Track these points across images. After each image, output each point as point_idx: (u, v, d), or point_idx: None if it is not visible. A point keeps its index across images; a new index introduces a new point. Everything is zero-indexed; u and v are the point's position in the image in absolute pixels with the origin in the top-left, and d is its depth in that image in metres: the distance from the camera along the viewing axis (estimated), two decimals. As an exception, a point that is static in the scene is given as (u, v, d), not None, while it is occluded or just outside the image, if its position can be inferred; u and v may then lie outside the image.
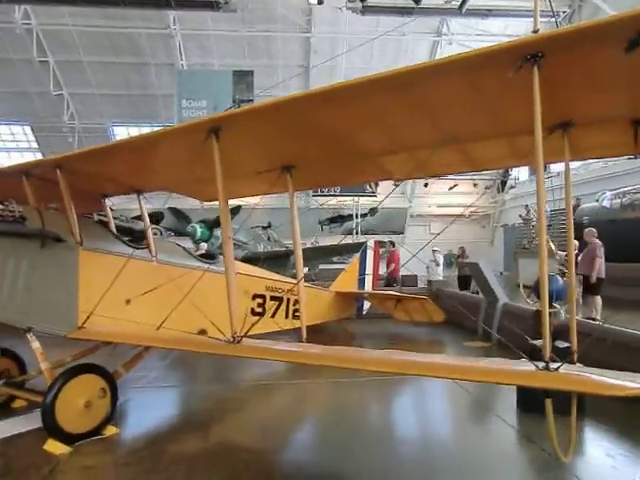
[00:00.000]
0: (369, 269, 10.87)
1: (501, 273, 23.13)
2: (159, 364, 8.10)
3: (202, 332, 5.42)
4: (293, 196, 5.00)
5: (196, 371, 8.16)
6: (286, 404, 6.63)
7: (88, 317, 5.21)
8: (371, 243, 11.47)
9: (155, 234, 23.31)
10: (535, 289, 5.98)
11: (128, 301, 5.71)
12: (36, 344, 5.13)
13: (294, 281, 8.82)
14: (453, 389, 6.52)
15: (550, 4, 8.46)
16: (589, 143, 4.10)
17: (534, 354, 6.08)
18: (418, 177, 4.92)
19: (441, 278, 14.41)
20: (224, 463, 4.62)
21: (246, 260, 16.66)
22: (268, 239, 19.50)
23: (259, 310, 7.60)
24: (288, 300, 8.24)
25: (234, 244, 17.30)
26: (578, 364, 5.64)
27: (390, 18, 19.02)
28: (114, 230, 6.55)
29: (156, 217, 22.06)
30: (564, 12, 20.53)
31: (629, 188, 15.82)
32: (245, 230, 18.22)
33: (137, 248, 6.15)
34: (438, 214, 26.18)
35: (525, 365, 3.03)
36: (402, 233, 26.02)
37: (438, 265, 14.83)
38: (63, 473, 4.28)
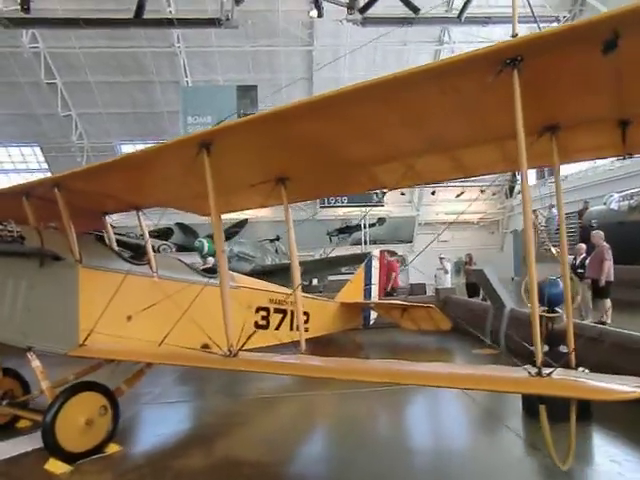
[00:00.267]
0: (374, 279, 10.82)
1: (512, 279, 22.86)
2: (164, 380, 8.11)
3: (205, 347, 5.42)
4: (288, 208, 5.01)
5: (201, 386, 8.14)
6: (291, 417, 6.59)
7: (89, 335, 5.24)
8: (376, 253, 11.44)
9: (165, 249, 23.66)
10: (540, 293, 5.89)
11: (129, 317, 5.73)
12: (36, 363, 5.16)
13: (297, 292, 8.86)
14: (459, 397, 6.43)
15: (530, 8, 8.47)
16: (578, 145, 4.08)
17: (534, 360, 5.98)
18: (411, 185, 4.92)
19: (449, 286, 14.28)
20: (227, 478, 4.60)
21: (254, 273, 16.73)
22: (276, 252, 19.53)
23: (263, 323, 7.58)
24: (292, 312, 8.22)
25: (242, 257, 17.50)
26: (581, 368, 5.55)
27: (391, 28, 19.21)
28: (115, 247, 6.61)
29: (165, 233, 22.36)
30: (564, 17, 20.50)
31: (636, 190, 15.60)
32: (252, 243, 18.27)
33: (137, 264, 6.20)
34: (446, 222, 26.06)
35: (519, 372, 2.97)
36: (411, 242, 25.91)
37: (447, 273, 14.72)
38: (63, 492, 4.30)
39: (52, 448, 4.65)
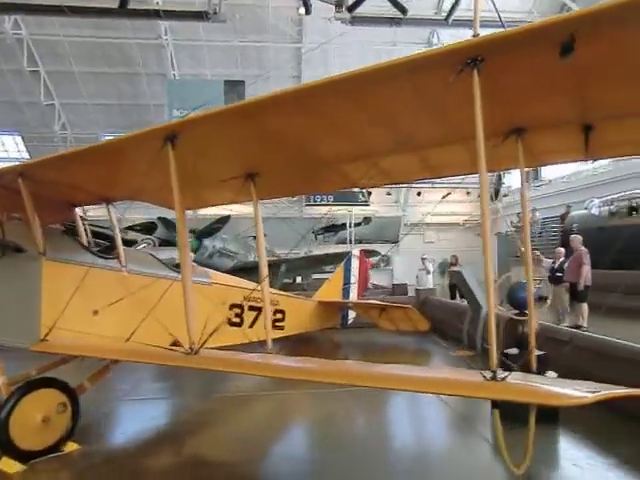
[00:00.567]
0: (354, 278, 10.78)
1: (495, 281, 22.94)
2: (136, 376, 7.98)
3: (176, 343, 5.32)
4: (257, 204, 4.93)
5: (175, 383, 8.01)
6: (265, 415, 6.53)
7: (51, 329, 5.10)
8: (356, 252, 11.40)
9: (148, 244, 23.36)
10: (510, 296, 5.91)
11: (96, 312, 5.60)
12: None
13: (274, 291, 8.78)
14: (432, 398, 6.40)
15: (496, 9, 8.48)
16: (543, 149, 4.08)
17: (506, 362, 5.97)
18: (381, 184, 4.88)
19: (431, 286, 14.31)
20: (190, 479, 4.51)
21: (236, 270, 16.61)
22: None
23: (237, 320, 7.49)
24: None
25: (224, 254, 17.35)
26: (550, 371, 5.55)
27: (381, 28, 19.18)
28: (85, 240, 6.45)
29: (149, 227, 22.06)
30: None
31: (617, 195, 15.79)
32: (235, 240, 18.13)
33: (106, 258, 6.06)
34: (432, 222, 26.14)
35: (475, 375, 2.94)
36: (396, 242, 25.95)
37: (428, 273, 14.75)
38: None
39: (5, 446, 4.51)
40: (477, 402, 6.23)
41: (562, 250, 10.96)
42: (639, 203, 14.83)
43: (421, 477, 4.51)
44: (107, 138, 25.62)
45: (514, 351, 5.67)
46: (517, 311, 6.00)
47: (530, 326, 3.89)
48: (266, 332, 4.83)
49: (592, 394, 2.62)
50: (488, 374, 2.88)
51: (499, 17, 8.25)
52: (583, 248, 9.98)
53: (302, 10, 16.54)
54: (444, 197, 26.77)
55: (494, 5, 8.30)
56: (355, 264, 10.92)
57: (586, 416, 5.22)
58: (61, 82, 22.99)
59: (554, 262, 10.76)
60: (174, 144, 4.03)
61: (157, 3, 17.78)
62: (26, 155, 24.53)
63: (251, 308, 7.68)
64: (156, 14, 16.17)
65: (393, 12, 16.84)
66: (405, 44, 22.00)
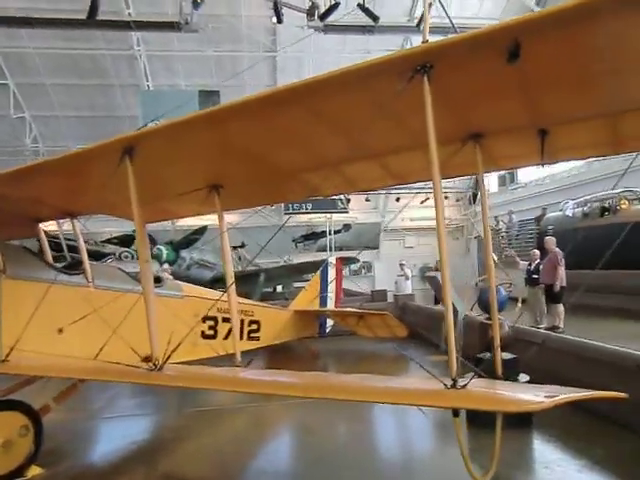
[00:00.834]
0: (331, 286, 10.74)
1: (476, 284, 23.21)
2: (108, 394, 7.79)
3: (147, 359, 5.20)
4: (222, 216, 4.88)
5: (147, 399, 7.82)
6: (241, 429, 6.43)
7: (12, 349, 4.94)
8: (332, 260, 11.38)
9: (126, 257, 22.99)
10: (480, 300, 5.94)
11: (60, 330, 5.46)
12: None
13: (249, 301, 8.70)
14: (409, 407, 6.38)
15: (447, 14, 8.62)
16: (502, 153, 4.12)
17: (479, 367, 5.98)
18: (345, 192, 4.88)
19: (410, 292, 14.35)
20: None
21: (215, 281, 16.41)
22: (239, 259, 19.24)
23: (210, 333, 7.38)
24: (242, 321, 8.05)
25: (202, 265, 17.14)
26: (522, 375, 5.59)
27: (355, 36, 19.32)
28: (49, 256, 6.30)
29: (126, 240, 21.72)
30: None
31: (590, 196, 16.09)
32: (214, 250, 17.94)
33: (71, 274, 5.92)
34: (411, 227, 26.29)
35: (436, 383, 2.91)
36: (377, 248, 26.00)
37: (407, 279, 14.79)
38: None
39: None
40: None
41: (537, 252, 11.01)
42: (611, 204, 15.09)
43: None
44: (81, 151, 25.18)
45: (486, 355, 5.70)
46: (488, 315, 6.03)
47: (494, 330, 3.90)
48: (234, 344, 4.76)
49: (551, 399, 2.61)
50: (449, 382, 2.86)
51: (451, 22, 8.36)
52: (557, 249, 10.06)
53: (275, 19, 16.56)
54: (422, 202, 27.12)
55: (445, 10, 8.42)
56: (332, 272, 10.88)
57: (561, 419, 5.27)
58: (32, 95, 22.55)
59: (530, 264, 10.85)
60: (132, 156, 3.97)
61: (129, 14, 17.66)
62: (-3, 170, 23.90)
63: (225, 320, 7.55)
64: (126, 25, 16.01)
65: (366, 20, 17.00)
66: (379, 51, 22.14)
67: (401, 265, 14.92)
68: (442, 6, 7.80)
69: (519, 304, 6.81)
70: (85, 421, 6.76)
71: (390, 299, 14.54)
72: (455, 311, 9.37)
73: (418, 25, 16.43)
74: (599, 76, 3.09)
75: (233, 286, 4.93)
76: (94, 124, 22.59)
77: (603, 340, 6.25)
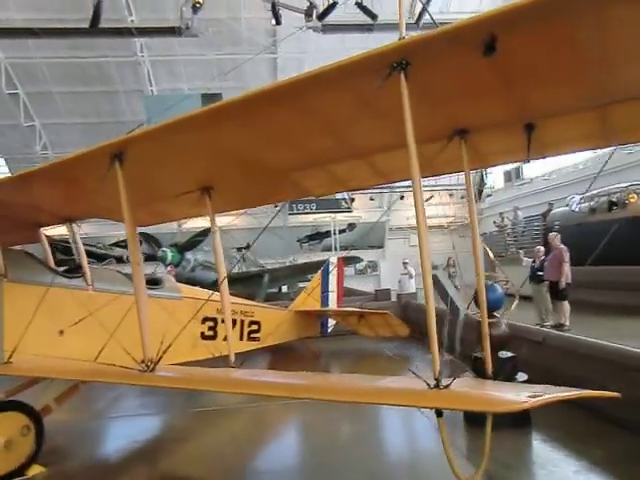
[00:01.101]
0: (332, 286, 10.75)
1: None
2: (112, 394, 7.87)
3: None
4: (214, 218, 4.93)
5: (150, 399, 7.86)
6: (240, 429, 6.45)
7: (14, 351, 5.05)
8: (333, 260, 11.39)
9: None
10: (474, 299, 5.89)
11: (61, 332, 5.56)
12: None
13: (249, 302, 8.75)
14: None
15: (427, 11, 8.56)
16: (489, 149, 4.10)
17: (476, 366, 5.93)
18: (336, 192, 4.89)
19: (413, 291, 14.30)
20: None
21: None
22: (243, 260, 19.35)
23: (210, 334, 7.44)
24: (242, 322, 8.11)
25: (206, 266, 17.23)
26: (521, 374, 5.51)
27: (354, 35, 19.30)
28: (51, 260, 6.41)
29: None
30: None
31: (596, 191, 15.83)
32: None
33: (71, 277, 6.03)
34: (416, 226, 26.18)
35: (419, 383, 2.89)
36: (382, 247, 25.96)
37: (411, 278, 14.73)
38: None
39: None
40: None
41: (542, 249, 10.79)
42: (619, 198, 14.77)
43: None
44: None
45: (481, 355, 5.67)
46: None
47: (484, 328, 3.89)
48: (229, 345, 4.80)
49: (534, 399, 2.59)
50: (432, 382, 2.82)
51: (431, 18, 8.30)
52: (562, 246, 9.88)
53: (274, 21, 16.63)
54: (427, 200, 27.06)
55: (424, 6, 8.34)
56: (333, 272, 10.90)
57: (562, 418, 5.22)
58: (41, 103, 23.03)
59: (534, 261, 10.69)
60: (121, 161, 4.03)
61: (132, 21, 17.86)
62: (9, 177, 24.35)
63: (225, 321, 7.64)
64: (128, 32, 16.20)
65: (364, 19, 16.98)
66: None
67: (404, 264, 14.88)
68: (423, 4, 7.74)
69: (516, 301, 6.73)
70: (88, 421, 6.85)
71: (394, 298, 14.52)
72: (456, 310, 9.35)
73: (417, 22, 16.38)
74: (583, 67, 3.04)
75: (226, 286, 4.96)
76: (101, 130, 22.86)
77: (607, 338, 6.11)
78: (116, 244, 23.37)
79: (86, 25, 15.46)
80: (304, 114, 3.46)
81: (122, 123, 23.22)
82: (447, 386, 2.81)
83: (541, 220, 19.74)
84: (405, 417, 6.29)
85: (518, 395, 2.70)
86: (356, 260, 16.75)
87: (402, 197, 25.12)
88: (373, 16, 15.87)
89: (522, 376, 5.67)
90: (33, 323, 5.14)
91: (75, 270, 6.32)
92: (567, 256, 9.65)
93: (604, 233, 11.46)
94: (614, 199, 15.00)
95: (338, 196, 23.14)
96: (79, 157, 4.20)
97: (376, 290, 14.68)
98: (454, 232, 28.70)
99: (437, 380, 2.83)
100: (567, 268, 9.45)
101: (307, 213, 23.39)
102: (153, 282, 7.11)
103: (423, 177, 4.76)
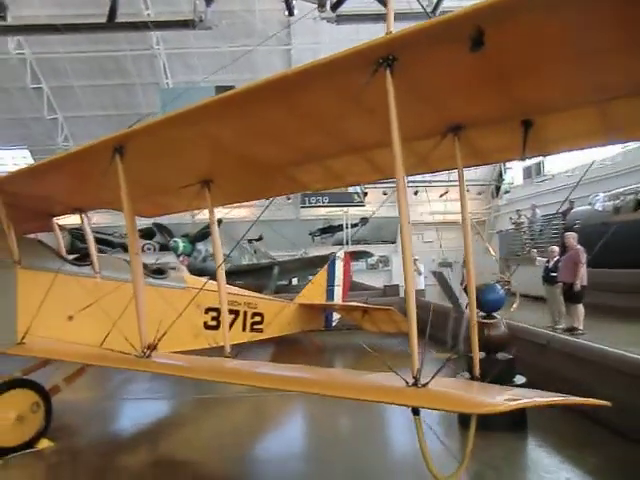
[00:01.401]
0: (338, 280, 10.81)
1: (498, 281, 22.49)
2: (121, 376, 8.09)
3: (150, 347, 5.43)
4: (213, 212, 5.04)
5: (157, 384, 7.97)
6: (238, 418, 6.58)
7: (26, 333, 5.30)
8: (340, 254, 11.43)
9: (149, 249, 23.59)
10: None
11: (71, 317, 5.79)
12: None
13: (252, 294, 8.86)
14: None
15: (421, 5, 8.28)
16: (484, 146, 4.02)
17: (471, 366, 5.89)
18: (333, 187, 4.87)
19: (422, 287, 14.26)
20: (155, 476, 4.61)
21: (230, 273, 16.67)
22: (254, 252, 19.53)
23: (213, 324, 7.57)
24: (245, 313, 8.24)
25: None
26: (519, 376, 5.40)
27: (369, 25, 19.09)
28: (63, 248, 6.65)
29: (149, 233, 22.32)
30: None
31: (623, 189, 15.12)
32: (229, 243, 18.25)
33: (80, 265, 6.24)
34: (431, 222, 25.93)
35: (398, 381, 2.90)
36: (394, 242, 25.83)
37: (420, 274, 14.68)
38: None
39: None
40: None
41: (556, 249, 10.24)
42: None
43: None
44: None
45: (481, 355, 5.64)
46: (484, 314, 5.94)
47: (472, 329, 3.90)
48: (224, 335, 4.92)
49: (511, 402, 2.57)
50: (410, 380, 2.83)
51: (423, 8, 8.04)
52: (579, 246, 9.27)
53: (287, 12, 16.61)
54: (442, 195, 26.74)
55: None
56: (339, 266, 10.95)
57: (560, 424, 5.19)
58: (63, 96, 23.66)
59: (548, 261, 10.16)
60: (122, 154, 4.15)
61: (148, 15, 18.06)
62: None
63: (228, 311, 7.77)
64: (144, 25, 16.41)
65: (379, 8, 16.73)
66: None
67: (414, 260, 14.81)
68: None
69: (517, 301, 6.64)
70: (96, 402, 7.14)
71: (402, 294, 14.51)
72: (461, 309, 9.30)
73: (434, 10, 16.08)
74: (578, 61, 2.90)
75: (223, 275, 5.08)
76: (119, 122, 23.25)
77: (620, 345, 5.90)
78: (136, 233, 23.81)
79: (103, 20, 15.72)
80: (294, 109, 3.47)
81: (139, 115, 23.60)
82: (425, 385, 2.81)
83: (561, 219, 19.09)
84: (404, 411, 6.29)
85: (495, 397, 2.68)
86: (367, 255, 16.70)
87: (416, 192, 24.97)
88: (386, 5, 15.62)
89: (520, 379, 5.59)
90: (44, 307, 5.39)
91: (84, 258, 6.55)
92: (584, 257, 9.04)
93: (629, 234, 10.84)
94: (641, 197, 14.22)
95: (351, 190, 23.08)
96: (83, 150, 4.34)
97: (385, 285, 14.68)
98: (473, 229, 28.37)
99: (415, 378, 2.83)
100: (583, 270, 8.93)
101: (319, 206, 23.38)
102: (158, 272, 7.30)
103: (417, 173, 4.75)
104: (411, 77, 2.91)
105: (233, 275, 16.03)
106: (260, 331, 8.25)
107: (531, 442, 5.10)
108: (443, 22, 2.61)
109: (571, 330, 8.71)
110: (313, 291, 10.42)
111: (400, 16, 18.18)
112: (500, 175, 29.30)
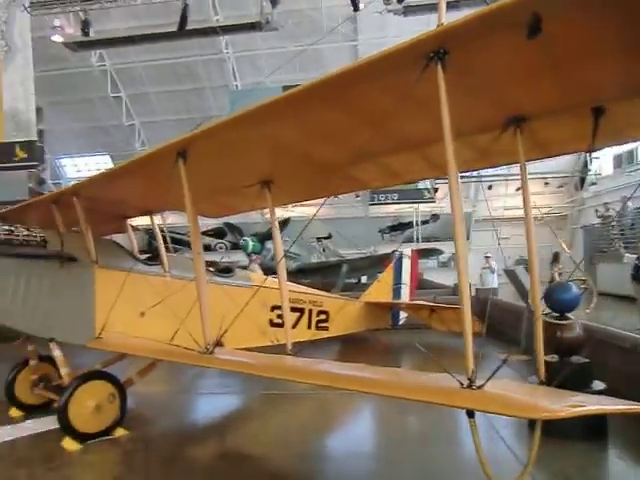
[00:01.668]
0: (405, 278, 10.57)
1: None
2: (193, 371, 8.44)
3: (218, 343, 5.66)
4: (273, 211, 5.09)
5: (229, 380, 8.09)
6: (303, 414, 6.67)
7: (103, 328, 5.72)
8: (407, 252, 11.17)
9: (221, 248, 24.65)
10: (546, 298, 5.44)
11: (142, 314, 6.15)
12: (57, 352, 5.68)
13: (318, 292, 8.90)
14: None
15: None
16: (549, 138, 3.74)
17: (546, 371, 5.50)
18: (392, 185, 4.74)
19: (495, 286, 13.58)
20: (223, 468, 4.74)
21: (300, 271, 16.98)
22: (323, 250, 19.69)
23: (279, 321, 7.70)
24: (310, 311, 8.30)
25: (287, 256, 17.80)
26: (597, 382, 4.97)
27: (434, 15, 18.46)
28: (136, 248, 7.08)
29: (220, 233, 23.35)
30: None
31: None
32: (298, 241, 18.55)
33: (150, 264, 6.61)
34: (506, 217, 24.59)
35: (452, 382, 2.82)
36: (467, 239, 24.80)
37: (493, 272, 14.00)
38: (67, 466, 4.85)
39: (65, 428, 5.17)
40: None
41: None
42: None
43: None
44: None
45: (554, 358, 5.26)
46: (557, 315, 5.52)
47: (536, 329, 3.62)
48: (286, 333, 4.97)
49: (573, 409, 2.41)
50: (465, 381, 2.75)
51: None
52: None
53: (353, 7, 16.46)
54: (518, 189, 25.22)
55: None
56: (407, 264, 10.70)
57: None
58: (139, 103, 25.43)
59: (638, 258, 9.65)
60: (185, 158, 4.31)
61: (217, 20, 18.79)
62: (114, 172, 27.29)
63: (294, 310, 7.87)
64: (213, 31, 17.08)
65: (447, -4, 16.06)
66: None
67: (487, 257, 14.16)
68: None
69: (595, 299, 6.11)
70: (168, 396, 7.53)
71: (474, 293, 13.88)
72: (529, 309, 8.70)
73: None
74: None
75: (284, 273, 5.14)
76: (190, 125, 24.50)
77: None
78: (204, 233, 25.09)
79: (174, 29, 16.60)
80: (347, 108, 3.43)
81: (209, 118, 24.74)
82: (480, 387, 2.72)
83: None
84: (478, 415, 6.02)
85: (556, 403, 2.53)
86: (436, 252, 16.19)
87: (490, 187, 23.81)
88: (454, -9, 14.99)
89: (598, 385, 5.16)
90: (118, 304, 5.77)
91: (155, 258, 6.93)
92: None
93: None
94: None
95: (420, 186, 22.51)
96: (148, 156, 4.57)
97: (455, 284, 14.11)
98: (552, 224, 26.63)
99: (470, 380, 2.75)
100: None
101: (388, 203, 23.06)
102: (225, 270, 7.55)
103: (479, 169, 4.50)
104: (465, 69, 2.81)
105: (301, 273, 16.29)
106: (326, 329, 8.27)
107: (611, 453, 4.74)
108: (497, 9, 2.45)
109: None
110: (379, 289, 10.30)
111: (477, 3, 17.43)
112: (585, 165, 27.10)
